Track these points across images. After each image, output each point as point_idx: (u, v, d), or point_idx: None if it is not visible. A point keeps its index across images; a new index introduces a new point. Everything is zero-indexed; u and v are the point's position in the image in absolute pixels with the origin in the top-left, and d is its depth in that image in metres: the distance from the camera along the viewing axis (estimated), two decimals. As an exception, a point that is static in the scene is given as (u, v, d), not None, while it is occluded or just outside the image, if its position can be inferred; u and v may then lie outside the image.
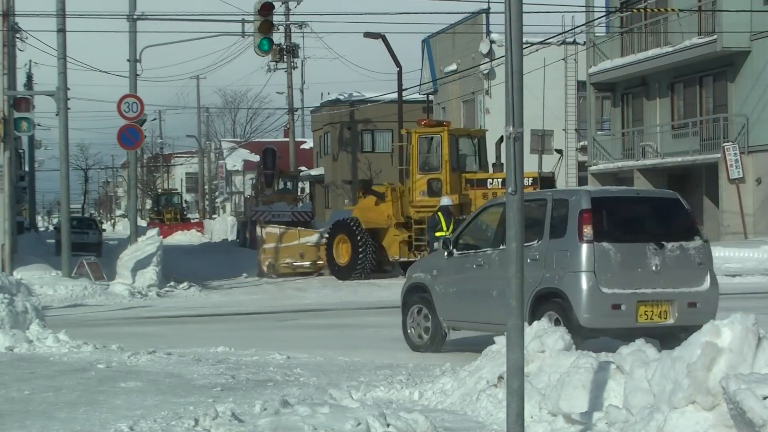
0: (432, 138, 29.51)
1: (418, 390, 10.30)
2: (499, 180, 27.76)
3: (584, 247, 12.23)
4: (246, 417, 8.86)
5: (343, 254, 30.20)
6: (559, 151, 34.73)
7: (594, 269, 12.20)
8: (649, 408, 7.55)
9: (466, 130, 31.48)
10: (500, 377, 9.18)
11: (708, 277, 12.85)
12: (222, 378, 11.46)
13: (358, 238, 29.86)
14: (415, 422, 8.32)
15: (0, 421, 9.07)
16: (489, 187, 28.15)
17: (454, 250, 14.03)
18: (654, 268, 12.46)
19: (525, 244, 12.55)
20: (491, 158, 30.20)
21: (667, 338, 12.10)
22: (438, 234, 23.99)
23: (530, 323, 11.44)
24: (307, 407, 8.96)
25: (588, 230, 12.24)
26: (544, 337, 9.58)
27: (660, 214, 13.16)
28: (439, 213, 25.36)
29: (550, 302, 12.45)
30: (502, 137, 31.43)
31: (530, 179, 27.67)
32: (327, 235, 31.37)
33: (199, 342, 15.59)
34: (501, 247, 12.70)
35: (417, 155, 29.39)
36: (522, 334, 7.09)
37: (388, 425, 8.23)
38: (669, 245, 12.56)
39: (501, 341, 9.66)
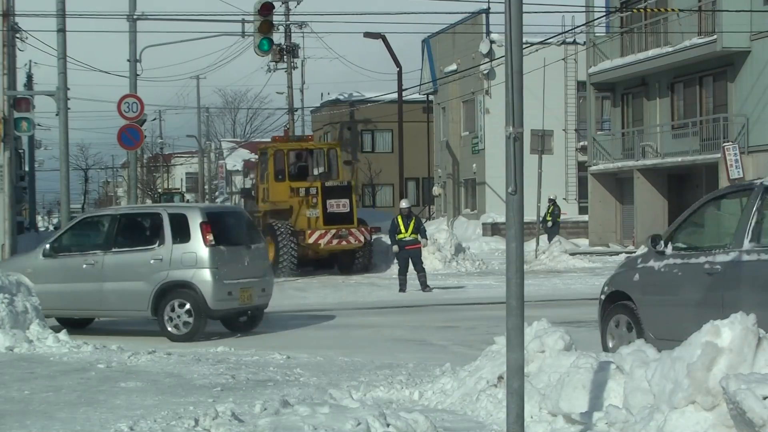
0: (266, 153, 33.12)
1: (418, 390, 10.30)
2: (304, 188, 30.74)
3: (208, 250, 15.99)
4: (246, 417, 8.86)
5: None
6: (349, 163, 36.80)
7: (217, 266, 16.00)
8: (649, 408, 7.54)
9: (301, 145, 33.84)
10: (500, 377, 9.17)
11: (269, 269, 17.56)
12: (222, 378, 11.46)
13: None
14: (415, 422, 8.32)
15: (0, 421, 9.07)
16: (299, 195, 30.76)
17: (55, 253, 16.94)
18: (246, 263, 16.66)
19: (146, 248, 16.19)
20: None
21: (242, 315, 17.17)
22: (399, 236, 24.66)
23: (154, 308, 16.01)
24: (307, 407, 8.97)
25: (210, 237, 16.01)
26: (544, 337, 9.55)
27: (243, 224, 17.57)
28: (398, 216, 25.43)
29: (177, 292, 15.99)
30: (310, 151, 33.14)
31: (313, 188, 30.47)
32: None
33: (199, 342, 15.60)
34: (113, 250, 16.51)
35: (260, 168, 33.83)
36: (522, 334, 7.07)
37: (388, 425, 8.22)
38: (252, 246, 16.95)
39: (501, 341, 9.65)
